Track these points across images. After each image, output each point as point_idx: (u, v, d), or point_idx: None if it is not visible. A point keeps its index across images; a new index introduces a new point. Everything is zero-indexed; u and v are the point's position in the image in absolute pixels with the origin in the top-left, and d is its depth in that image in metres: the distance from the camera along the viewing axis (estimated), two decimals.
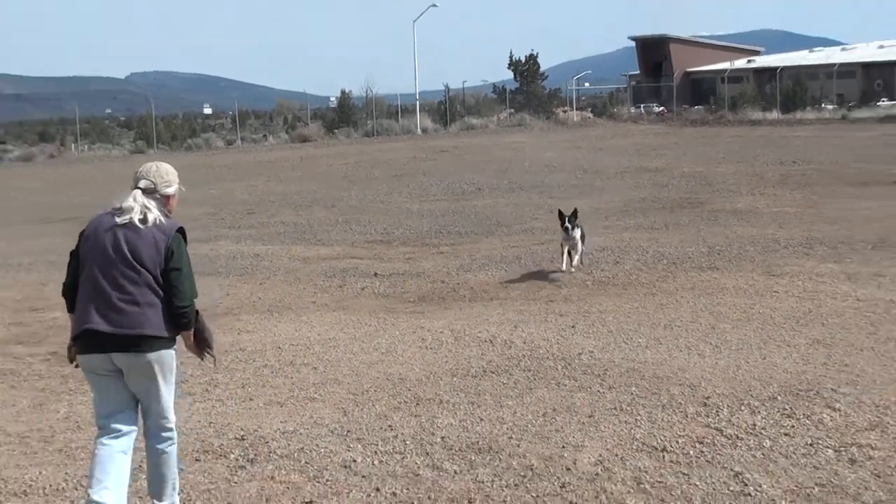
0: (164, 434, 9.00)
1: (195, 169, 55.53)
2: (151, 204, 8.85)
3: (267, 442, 11.77)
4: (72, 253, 8.98)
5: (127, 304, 8.55)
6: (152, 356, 8.74)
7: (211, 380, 14.42)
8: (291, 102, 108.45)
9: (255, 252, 26.20)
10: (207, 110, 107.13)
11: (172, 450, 9.13)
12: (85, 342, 8.66)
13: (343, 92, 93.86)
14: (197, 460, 11.31)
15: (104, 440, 8.91)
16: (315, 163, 55.10)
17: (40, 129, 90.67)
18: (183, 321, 8.87)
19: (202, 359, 9.57)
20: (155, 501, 9.07)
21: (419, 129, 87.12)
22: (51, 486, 10.46)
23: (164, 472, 9.05)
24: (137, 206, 8.76)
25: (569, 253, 20.38)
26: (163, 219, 8.88)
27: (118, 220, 8.70)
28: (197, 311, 9.12)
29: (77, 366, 9.08)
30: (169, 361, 8.92)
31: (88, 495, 8.76)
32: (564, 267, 20.21)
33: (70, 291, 8.88)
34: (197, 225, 31.92)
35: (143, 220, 8.72)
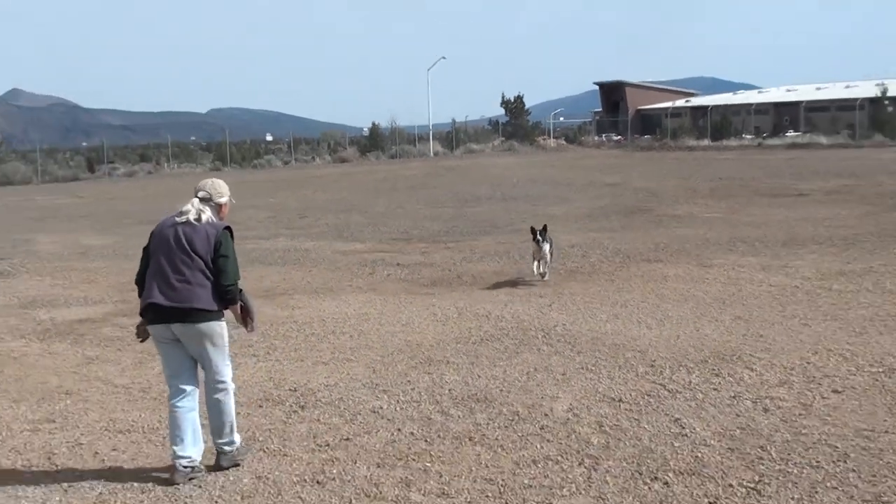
0: (218, 386, 9.10)
1: (259, 183, 55.55)
2: (206, 209, 9.08)
3: (314, 392, 11.80)
4: (144, 249, 9.16)
5: (181, 283, 8.75)
6: (202, 326, 8.89)
7: (271, 345, 14.46)
8: (334, 132, 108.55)
9: (304, 247, 26.18)
10: (269, 137, 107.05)
11: (227, 399, 9.17)
12: (150, 314, 8.85)
13: (373, 124, 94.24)
14: (260, 406, 11.35)
15: (174, 403, 9.06)
16: (351, 178, 55.11)
17: (141, 152, 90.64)
18: (228, 297, 8.98)
19: (247, 328, 9.47)
20: (216, 439, 9.13)
21: (431, 153, 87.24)
22: (148, 425, 10.47)
23: (222, 417, 9.13)
24: (194, 209, 9.00)
25: (539, 262, 18.95)
26: (214, 220, 9.09)
27: (178, 219, 8.91)
28: (241, 290, 9.21)
29: (142, 341, 9.34)
30: (217, 330, 9.03)
31: (173, 450, 8.97)
32: (536, 274, 18.99)
33: (141, 280, 9.07)
34: (260, 226, 31.96)
35: (198, 219, 8.95)
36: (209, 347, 9.03)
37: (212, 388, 9.07)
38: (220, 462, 9.18)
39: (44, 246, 28.57)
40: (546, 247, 18.28)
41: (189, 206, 9.01)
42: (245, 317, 9.35)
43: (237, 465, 9.19)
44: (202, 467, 9.10)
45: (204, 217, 9.03)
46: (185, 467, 8.92)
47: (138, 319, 9.07)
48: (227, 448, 9.16)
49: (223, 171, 75.46)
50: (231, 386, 9.23)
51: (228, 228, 9.15)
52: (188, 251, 8.81)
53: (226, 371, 9.18)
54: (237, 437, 9.26)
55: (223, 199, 9.31)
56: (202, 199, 9.16)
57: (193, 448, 9.06)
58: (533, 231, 18.60)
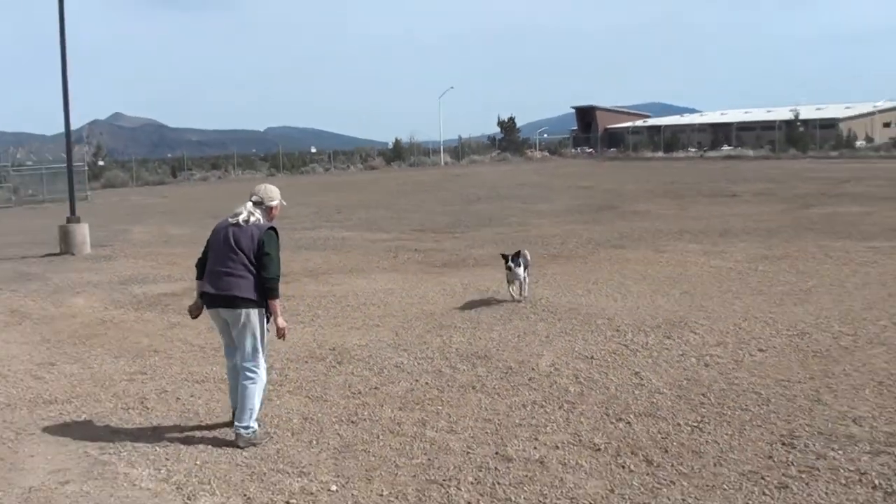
0: (247, 373, 8.46)
1: (305, 186, 55.52)
2: (257, 212, 8.65)
3: (348, 351, 11.79)
4: (207, 240, 8.84)
5: (227, 275, 8.43)
6: (240, 311, 8.44)
7: (314, 314, 14.47)
8: (365, 146, 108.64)
9: (341, 236, 26.17)
10: (313, 150, 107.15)
11: (252, 387, 8.44)
12: (205, 300, 8.63)
13: (396, 139, 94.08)
14: (305, 362, 11.35)
15: (228, 374, 9.03)
16: (378, 183, 55.12)
17: (213, 162, 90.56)
18: (270, 290, 8.45)
19: (277, 331, 8.66)
20: (235, 421, 8.56)
21: (442, 163, 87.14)
22: (219, 377, 10.46)
23: (244, 402, 8.44)
24: (245, 212, 8.60)
25: (514, 285, 14.95)
26: (262, 221, 8.63)
27: (231, 220, 8.61)
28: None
29: (194, 318, 9.08)
30: (253, 318, 8.49)
31: (232, 418, 8.78)
32: (513, 297, 14.91)
33: (199, 265, 8.83)
34: (306, 219, 31.89)
35: (247, 221, 8.55)
36: (244, 332, 8.51)
37: (242, 373, 8.53)
38: (237, 441, 8.45)
39: (137, 235, 28.63)
40: (520, 271, 14.81)
41: (242, 209, 8.66)
42: (276, 318, 8.63)
43: (254, 445, 8.37)
44: (261, 432, 8.58)
45: (252, 219, 8.58)
46: (244, 433, 8.42)
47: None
48: (242, 431, 8.43)
49: (276, 176, 75.51)
50: (259, 376, 8.54)
51: (273, 229, 8.65)
52: (234, 248, 8.47)
53: (256, 359, 8.56)
54: (255, 425, 8.48)
55: (274, 203, 8.85)
56: (255, 203, 8.73)
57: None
58: (505, 258, 14.92)
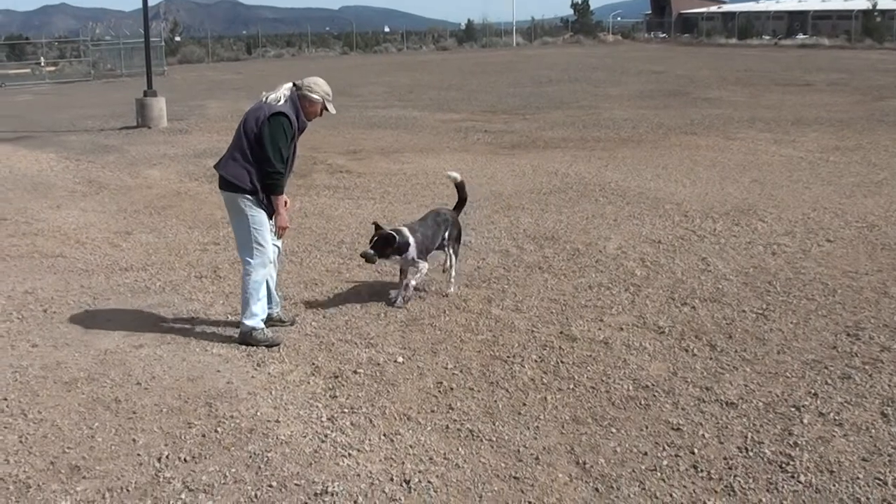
0: (244, 266, 7.65)
1: (378, 65, 55.26)
2: (287, 93, 7.52)
3: None
4: None
5: (227, 157, 7.62)
6: (227, 195, 7.58)
7: (385, 191, 14.47)
8: (437, 27, 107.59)
9: (412, 116, 26.04)
10: (386, 29, 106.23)
11: (246, 280, 7.61)
12: None
13: (468, 20, 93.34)
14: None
15: None
16: (450, 63, 54.68)
17: (287, 39, 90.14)
18: (267, 183, 7.45)
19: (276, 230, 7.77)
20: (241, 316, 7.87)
21: (514, 44, 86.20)
22: (289, 250, 10.50)
23: (243, 294, 7.69)
24: (277, 92, 7.52)
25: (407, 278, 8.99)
26: (280, 103, 7.45)
27: (261, 96, 7.62)
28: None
29: None
30: (239, 204, 7.52)
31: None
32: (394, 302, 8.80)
33: None
34: (378, 99, 31.78)
35: (266, 100, 7.50)
36: (233, 220, 7.71)
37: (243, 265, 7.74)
38: (238, 336, 7.83)
39: (212, 110, 28.67)
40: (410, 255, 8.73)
41: (279, 87, 7.62)
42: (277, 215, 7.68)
43: (248, 344, 7.67)
44: (267, 335, 7.82)
45: (272, 98, 7.50)
46: (241, 328, 7.82)
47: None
48: (242, 328, 7.76)
49: (350, 55, 75.20)
50: (252, 271, 7.61)
51: (276, 114, 7.40)
52: (240, 128, 7.59)
53: (248, 252, 7.60)
54: (251, 323, 7.67)
55: (313, 96, 7.57)
56: (296, 87, 7.61)
57: (270, 307, 8.08)
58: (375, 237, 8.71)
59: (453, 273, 9.22)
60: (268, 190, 7.51)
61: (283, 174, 7.51)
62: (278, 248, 8.06)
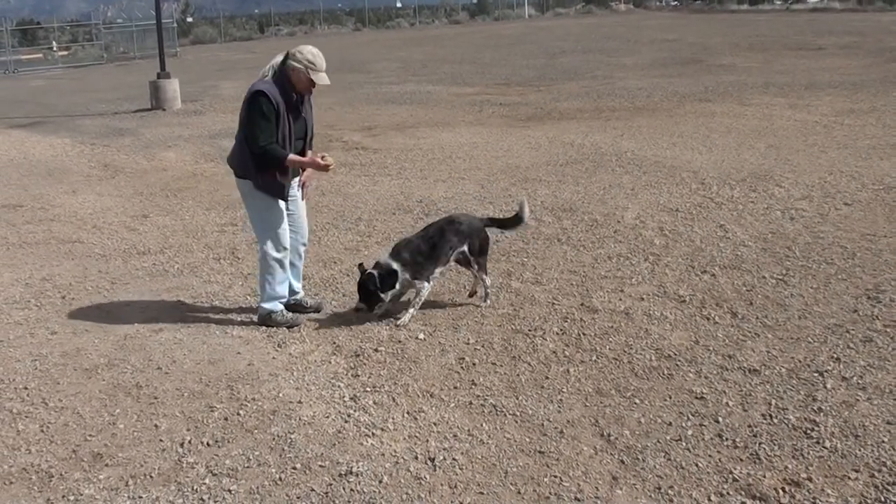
0: (259, 249, 7.53)
1: (390, 40, 55.18)
2: (276, 66, 7.21)
3: (435, 203, 11.75)
4: None
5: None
6: (237, 181, 7.42)
7: (402, 167, 14.44)
8: (449, 1, 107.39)
9: (427, 90, 25.97)
10: (399, 4, 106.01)
11: (261, 264, 7.51)
12: None
13: None
14: (393, 213, 11.36)
15: None
16: (463, 37, 54.54)
17: (299, 17, 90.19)
18: (262, 160, 7.15)
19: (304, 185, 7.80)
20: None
21: (527, 16, 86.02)
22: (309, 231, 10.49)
23: (259, 278, 7.64)
24: (268, 66, 7.28)
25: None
26: (266, 78, 7.20)
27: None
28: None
29: None
30: (245, 189, 7.37)
31: None
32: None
33: None
34: (392, 74, 31.72)
35: (259, 74, 7.24)
36: (245, 205, 7.63)
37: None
38: (257, 318, 7.75)
39: (225, 90, 28.68)
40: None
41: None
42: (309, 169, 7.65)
43: (267, 325, 7.59)
44: (307, 301, 8.01)
45: (262, 73, 7.25)
46: (259, 310, 7.75)
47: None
48: (261, 311, 7.70)
49: (362, 30, 75.12)
50: (265, 254, 7.45)
51: (256, 93, 7.08)
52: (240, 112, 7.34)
53: (260, 236, 7.48)
54: (268, 306, 7.59)
55: (295, 64, 7.12)
56: (286, 56, 7.22)
57: (294, 284, 7.96)
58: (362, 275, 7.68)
59: (485, 293, 8.01)
60: (270, 166, 7.22)
61: (267, 149, 7.10)
62: (304, 244, 7.96)
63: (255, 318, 7.80)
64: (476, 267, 7.91)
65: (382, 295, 7.54)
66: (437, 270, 7.80)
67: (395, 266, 7.53)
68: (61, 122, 22.31)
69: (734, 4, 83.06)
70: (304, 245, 7.98)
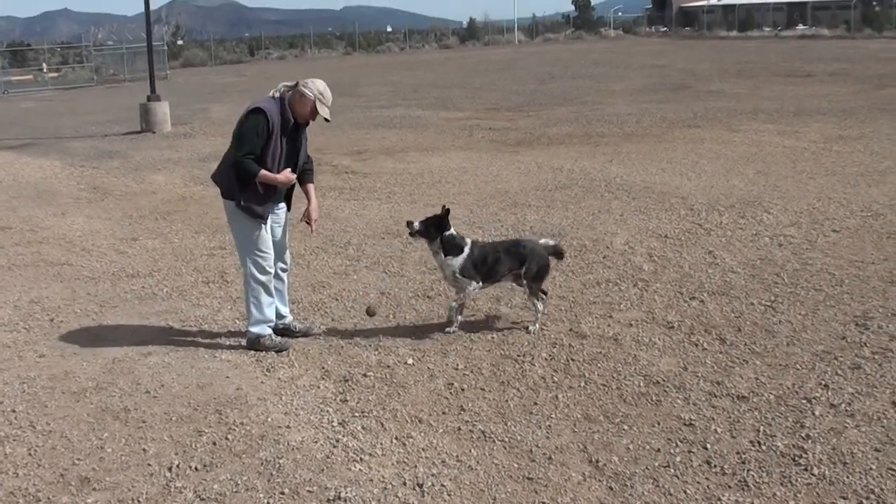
0: (243, 273, 7.60)
1: (381, 65, 55.33)
2: (281, 90, 7.32)
3: None
4: None
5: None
6: (224, 202, 7.45)
7: (391, 191, 14.47)
8: (439, 24, 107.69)
9: (416, 114, 26.02)
10: (389, 29, 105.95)
11: (245, 287, 7.58)
12: None
13: (471, 18, 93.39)
14: (382, 238, 11.39)
15: None
16: (453, 62, 54.68)
17: (289, 41, 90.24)
18: (239, 172, 7.18)
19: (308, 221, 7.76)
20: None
21: (516, 41, 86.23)
22: (296, 252, 10.48)
23: (244, 299, 7.69)
24: (274, 90, 7.36)
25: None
26: (265, 98, 7.27)
27: None
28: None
29: None
30: (228, 209, 7.41)
31: None
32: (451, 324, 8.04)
33: None
34: (382, 98, 31.77)
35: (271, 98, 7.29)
36: (230, 227, 7.66)
37: None
38: (246, 342, 7.74)
39: (216, 113, 28.71)
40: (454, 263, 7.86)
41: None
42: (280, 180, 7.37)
43: (255, 349, 7.58)
44: (276, 342, 7.69)
45: (267, 94, 7.34)
46: (248, 334, 7.72)
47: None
48: (249, 335, 7.68)
49: (353, 55, 75.25)
50: (249, 277, 7.51)
51: (253, 111, 7.19)
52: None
53: (243, 257, 7.53)
54: (256, 330, 7.58)
55: (306, 91, 7.22)
56: (289, 85, 7.37)
57: (278, 306, 7.91)
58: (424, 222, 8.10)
59: (535, 317, 7.96)
60: (243, 178, 7.22)
61: (243, 162, 7.13)
62: (284, 268, 7.90)
63: (243, 341, 7.78)
64: (528, 291, 7.93)
65: (432, 240, 7.89)
66: (484, 283, 7.93)
67: (466, 249, 7.82)
68: (51, 144, 22.31)
69: (723, 31, 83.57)
70: (284, 269, 7.92)
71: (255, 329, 7.63)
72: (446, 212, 7.85)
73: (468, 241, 7.92)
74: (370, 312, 7.94)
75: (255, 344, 7.63)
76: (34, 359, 7.65)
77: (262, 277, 7.54)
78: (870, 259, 9.65)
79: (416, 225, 7.96)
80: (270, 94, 7.37)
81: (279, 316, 7.95)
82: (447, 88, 34.73)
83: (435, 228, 7.87)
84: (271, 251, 7.55)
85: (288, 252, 7.95)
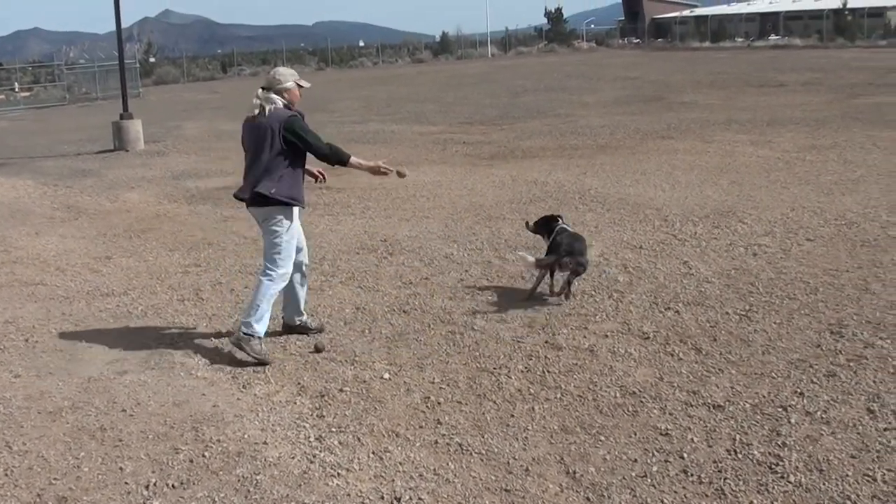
0: (266, 270, 7.70)
1: (354, 80, 55.31)
2: (271, 97, 7.64)
3: (399, 242, 11.79)
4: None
5: (251, 174, 7.70)
6: (258, 210, 7.67)
7: (365, 206, 14.47)
8: (412, 38, 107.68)
9: (390, 129, 26.05)
10: (361, 43, 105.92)
11: (266, 283, 7.67)
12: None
13: (443, 32, 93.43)
14: (357, 253, 11.37)
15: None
16: (426, 76, 54.73)
17: (262, 57, 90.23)
18: (332, 160, 7.78)
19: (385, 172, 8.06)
20: (242, 316, 7.91)
21: (490, 55, 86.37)
22: None
23: (254, 297, 7.70)
24: (257, 101, 7.66)
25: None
26: (279, 106, 7.63)
27: (249, 115, 7.76)
28: (337, 150, 7.82)
29: None
30: (270, 216, 7.64)
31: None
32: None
33: None
34: (355, 113, 31.78)
35: (262, 113, 7.60)
36: (265, 232, 7.75)
37: (262, 269, 7.79)
38: (233, 337, 7.89)
39: (189, 131, 28.64)
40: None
41: (253, 100, 7.73)
42: (374, 168, 7.96)
43: (243, 350, 7.66)
44: (310, 322, 8.37)
45: (268, 109, 7.62)
46: (242, 329, 7.69)
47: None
48: (243, 330, 7.68)
49: (325, 70, 75.22)
50: (276, 277, 7.72)
51: (294, 116, 7.64)
52: (253, 150, 7.68)
53: (275, 261, 7.70)
54: (255, 329, 7.66)
55: (286, 84, 7.72)
56: (264, 89, 7.71)
57: (289, 313, 8.35)
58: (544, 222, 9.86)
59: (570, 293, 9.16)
60: (340, 163, 7.83)
61: (333, 147, 7.82)
62: (304, 265, 8.23)
63: (221, 354, 7.79)
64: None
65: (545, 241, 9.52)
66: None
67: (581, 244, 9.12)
68: (24, 163, 22.21)
69: (696, 42, 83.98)
70: (307, 265, 8.37)
71: (256, 325, 7.67)
72: (558, 217, 9.82)
73: (577, 243, 9.12)
74: (318, 349, 7.97)
75: (243, 341, 7.65)
76: (9, 379, 7.61)
77: (283, 284, 7.86)
78: (844, 267, 9.71)
79: (532, 226, 9.94)
80: (273, 105, 7.68)
81: (298, 313, 8.29)
82: (421, 103, 34.78)
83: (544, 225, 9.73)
84: (293, 258, 7.90)
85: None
